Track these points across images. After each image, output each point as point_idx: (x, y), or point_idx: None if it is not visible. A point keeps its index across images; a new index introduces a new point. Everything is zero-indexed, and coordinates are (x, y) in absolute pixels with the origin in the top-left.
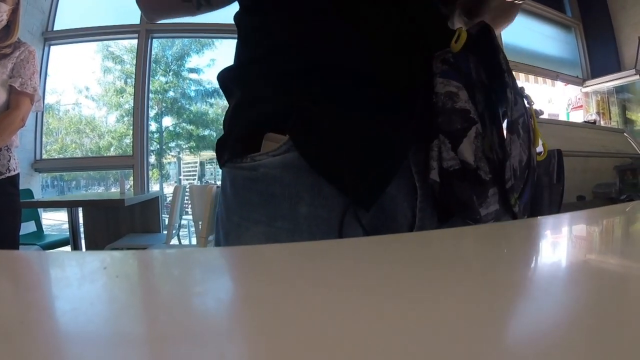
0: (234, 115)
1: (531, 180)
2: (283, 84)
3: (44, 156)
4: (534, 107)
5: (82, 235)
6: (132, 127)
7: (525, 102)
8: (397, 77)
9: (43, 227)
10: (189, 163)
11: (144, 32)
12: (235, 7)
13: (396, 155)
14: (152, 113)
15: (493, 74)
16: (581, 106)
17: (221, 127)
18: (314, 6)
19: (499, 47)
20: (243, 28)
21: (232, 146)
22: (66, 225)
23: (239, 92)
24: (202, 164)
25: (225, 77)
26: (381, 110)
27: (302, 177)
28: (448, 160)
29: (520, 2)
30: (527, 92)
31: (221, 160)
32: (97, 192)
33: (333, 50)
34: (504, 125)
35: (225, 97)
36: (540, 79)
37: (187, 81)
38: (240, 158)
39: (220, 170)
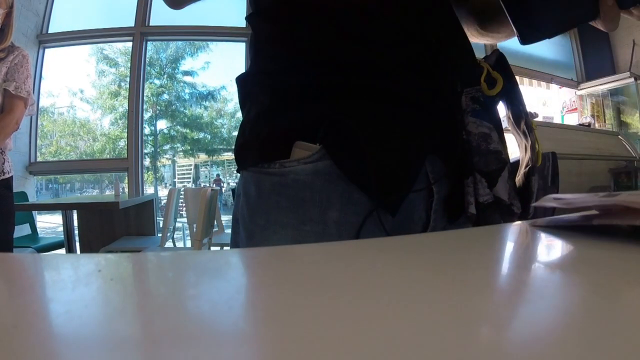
0: (261, 121)
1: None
2: (314, 97)
3: (39, 159)
4: (529, 110)
5: (77, 238)
6: (126, 130)
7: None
8: (421, 96)
9: (38, 229)
10: (183, 166)
11: (139, 35)
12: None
13: (416, 164)
14: (146, 116)
15: (512, 107)
16: (576, 109)
17: (216, 130)
18: (340, 25)
19: (517, 83)
20: (265, 36)
21: (259, 151)
22: (61, 228)
23: (266, 98)
24: (196, 166)
25: (247, 81)
26: (404, 124)
27: (333, 183)
28: (484, 196)
29: None
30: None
31: (244, 164)
32: (91, 194)
33: (360, 71)
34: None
35: (242, 100)
36: (535, 81)
37: (182, 84)
38: (267, 163)
39: (215, 174)
